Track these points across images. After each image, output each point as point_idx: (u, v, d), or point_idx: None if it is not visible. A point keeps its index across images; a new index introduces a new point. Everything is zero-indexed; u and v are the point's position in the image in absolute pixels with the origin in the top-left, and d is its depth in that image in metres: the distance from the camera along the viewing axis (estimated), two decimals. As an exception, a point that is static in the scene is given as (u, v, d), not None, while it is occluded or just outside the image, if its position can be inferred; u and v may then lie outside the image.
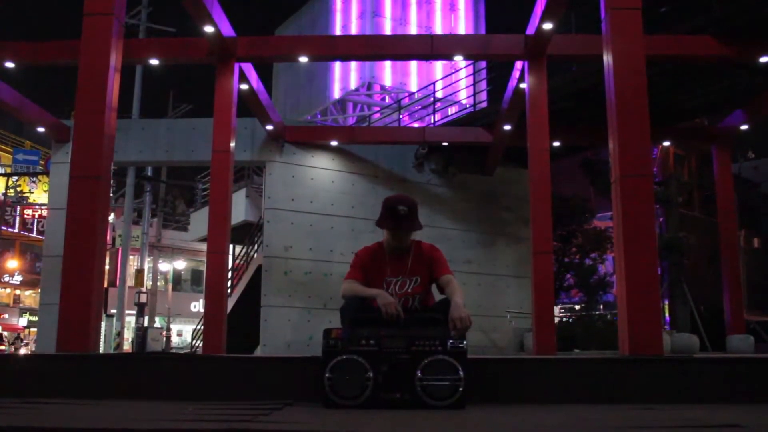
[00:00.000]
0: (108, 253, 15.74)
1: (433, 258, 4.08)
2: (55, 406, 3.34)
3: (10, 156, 31.46)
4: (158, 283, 30.58)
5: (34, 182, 33.02)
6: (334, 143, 13.43)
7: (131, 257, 24.61)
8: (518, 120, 11.17)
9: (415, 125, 20.80)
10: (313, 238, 13.23)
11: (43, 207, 28.54)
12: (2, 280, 33.92)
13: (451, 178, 14.90)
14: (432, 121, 16.57)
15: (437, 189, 14.79)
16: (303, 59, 10.36)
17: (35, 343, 17.73)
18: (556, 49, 9.07)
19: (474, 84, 16.21)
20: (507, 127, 11.87)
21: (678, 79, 11.23)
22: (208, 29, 8.46)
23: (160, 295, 29.76)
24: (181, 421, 2.82)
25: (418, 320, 3.84)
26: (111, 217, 22.22)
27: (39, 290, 14.80)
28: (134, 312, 22.83)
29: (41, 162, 28.60)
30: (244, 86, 10.17)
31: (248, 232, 16.75)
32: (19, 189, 32.39)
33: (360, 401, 3.47)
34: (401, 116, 18.67)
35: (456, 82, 19.98)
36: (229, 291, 12.70)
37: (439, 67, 29.60)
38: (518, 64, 10.28)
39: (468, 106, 20.38)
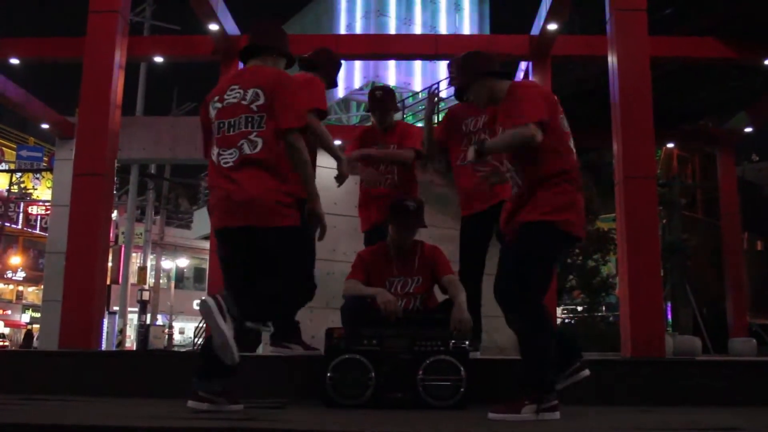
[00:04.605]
0: (111, 250, 15.74)
1: (435, 259, 4.12)
2: (57, 403, 3.35)
3: (14, 152, 31.49)
4: (161, 281, 30.60)
5: (37, 179, 33.04)
6: (337, 142, 13.42)
7: (134, 255, 24.60)
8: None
9: (419, 124, 20.78)
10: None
11: (46, 204, 28.59)
12: (5, 276, 33.98)
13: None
14: (436, 121, 16.47)
15: (440, 189, 14.75)
16: (307, 58, 10.36)
17: (38, 339, 17.76)
18: (561, 50, 9.06)
19: (478, 84, 16.13)
20: (510, 128, 11.82)
21: (682, 81, 11.20)
22: (213, 27, 8.46)
23: (163, 293, 29.78)
24: (183, 420, 2.82)
25: (420, 320, 3.86)
26: (114, 215, 22.23)
27: (42, 287, 14.83)
28: (137, 309, 22.84)
29: (45, 159, 28.61)
30: (248, 84, 10.18)
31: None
32: (22, 185, 32.42)
33: (362, 401, 3.47)
34: (404, 116, 18.63)
35: (460, 82, 19.97)
36: (231, 289, 12.67)
37: (443, 67, 29.57)
38: (522, 65, 10.25)
39: (472, 106, 20.26)
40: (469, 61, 3.53)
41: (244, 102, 3.29)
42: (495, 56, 3.67)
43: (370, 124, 5.42)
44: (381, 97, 4.90)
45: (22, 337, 26.90)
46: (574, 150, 3.36)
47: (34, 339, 24.30)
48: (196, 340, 20.12)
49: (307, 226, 3.45)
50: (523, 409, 3.00)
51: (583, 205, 3.28)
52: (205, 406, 3.07)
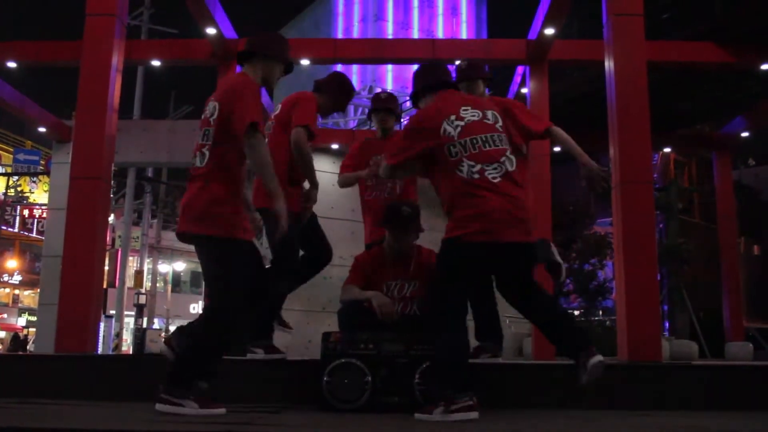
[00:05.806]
0: (107, 253, 15.69)
1: (432, 263, 4.11)
2: (53, 407, 3.34)
3: (11, 155, 31.42)
4: (157, 285, 30.54)
5: (34, 182, 32.98)
6: (335, 146, 13.41)
7: (131, 258, 24.58)
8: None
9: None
10: (313, 240, 13.13)
11: (43, 207, 28.52)
12: (1, 279, 33.87)
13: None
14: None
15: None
16: (304, 62, 10.36)
17: (33, 343, 17.70)
18: (558, 54, 9.07)
19: (475, 88, 16.13)
20: (507, 132, 11.82)
21: (679, 85, 11.24)
22: (210, 31, 8.46)
23: (159, 297, 29.70)
24: (179, 424, 2.82)
25: (417, 324, 3.85)
26: (111, 218, 22.18)
27: (38, 290, 14.80)
28: (133, 313, 22.80)
29: (42, 162, 28.55)
30: (246, 88, 10.16)
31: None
32: (19, 189, 32.36)
33: (358, 405, 3.47)
34: (402, 120, 18.65)
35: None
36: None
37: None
38: (519, 69, 10.24)
39: (469, 110, 20.27)
40: (418, 74, 3.71)
41: (207, 115, 3.41)
42: (440, 70, 3.74)
43: (367, 127, 5.48)
44: (386, 98, 4.97)
45: (10, 339, 26.73)
46: (483, 159, 3.35)
47: (30, 343, 24.20)
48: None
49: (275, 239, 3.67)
50: (435, 410, 3.06)
51: (495, 207, 3.26)
52: (163, 348, 3.38)
